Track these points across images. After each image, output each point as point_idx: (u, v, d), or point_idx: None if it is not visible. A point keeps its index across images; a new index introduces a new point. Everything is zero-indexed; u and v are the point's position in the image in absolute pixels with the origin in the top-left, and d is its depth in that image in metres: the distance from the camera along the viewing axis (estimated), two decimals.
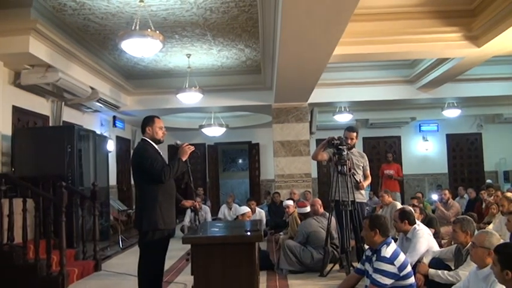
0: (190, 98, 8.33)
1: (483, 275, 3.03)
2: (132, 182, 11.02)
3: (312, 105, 9.91)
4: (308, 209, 6.14)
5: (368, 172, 5.79)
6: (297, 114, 9.74)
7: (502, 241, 3.03)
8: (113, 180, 10.00)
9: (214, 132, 11.44)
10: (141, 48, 5.38)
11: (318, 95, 9.11)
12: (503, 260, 2.46)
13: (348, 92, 9.69)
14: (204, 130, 11.39)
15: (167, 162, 4.00)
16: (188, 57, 8.12)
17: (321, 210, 6.13)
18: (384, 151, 12.95)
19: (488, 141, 13.43)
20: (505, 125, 13.12)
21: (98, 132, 8.47)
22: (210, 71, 9.16)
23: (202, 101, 8.79)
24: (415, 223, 4.62)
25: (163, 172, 3.80)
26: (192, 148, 4.02)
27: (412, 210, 4.93)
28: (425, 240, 4.46)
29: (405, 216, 4.59)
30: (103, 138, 7.78)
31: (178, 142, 4.18)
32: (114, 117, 10.24)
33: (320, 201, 6.30)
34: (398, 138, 13.76)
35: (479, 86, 9.62)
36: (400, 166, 10.84)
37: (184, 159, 3.97)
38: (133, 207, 10.79)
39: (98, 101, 8.05)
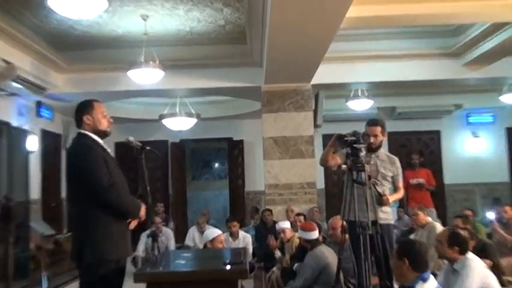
0: (146, 76, 8.28)
1: None
2: (64, 195, 10.96)
3: (317, 88, 9.93)
4: (316, 233, 6.10)
5: (400, 184, 5.81)
6: (296, 100, 9.75)
7: None
8: (35, 192, 9.92)
9: (180, 124, 11.40)
10: (77, 6, 5.32)
11: (325, 74, 9.13)
12: None
13: (367, 69, 9.72)
14: (166, 122, 11.34)
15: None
16: (144, 19, 8.06)
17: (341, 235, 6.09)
18: (418, 151, 13.01)
19: None
20: None
21: (14, 124, 8.39)
22: (175, 39, 9.10)
23: (163, 81, 8.74)
24: (467, 252, 4.65)
25: (112, 192, 3.78)
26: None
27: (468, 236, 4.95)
28: (478, 276, 4.49)
29: (457, 241, 4.62)
30: (21, 133, 7.70)
31: (131, 139, 4.16)
32: (39, 104, 10.15)
33: (341, 222, 6.28)
34: (437, 133, 13.90)
35: None
36: (431, 172, 10.89)
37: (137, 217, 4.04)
38: (65, 231, 10.72)
39: (15, 80, 7.95)
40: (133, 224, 4.08)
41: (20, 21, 7.87)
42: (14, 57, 7.82)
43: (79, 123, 4.04)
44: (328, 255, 5.79)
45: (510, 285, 5.25)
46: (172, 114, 11.21)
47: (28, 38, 8.05)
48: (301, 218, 8.36)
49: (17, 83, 8.14)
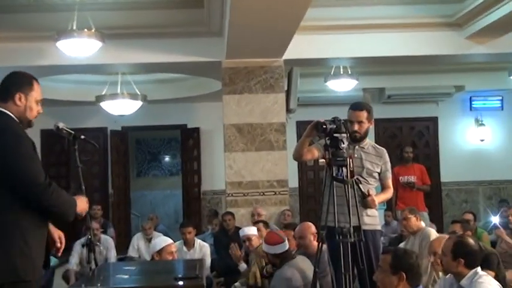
0: (80, 47, 8.21)
1: None
2: None
3: (290, 64, 9.94)
4: (285, 245, 6.02)
5: (389, 181, 5.89)
6: (264, 79, 9.74)
7: None
8: None
9: (122, 108, 11.33)
10: None
11: (300, 46, 9.15)
12: None
13: (351, 41, 9.71)
14: (104, 105, 11.26)
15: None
16: None
17: (314, 244, 6.09)
18: (410, 143, 13.14)
19: None
20: None
21: None
22: (115, 1, 9.04)
23: (101, 54, 8.67)
24: (476, 266, 4.72)
25: (50, 192, 3.60)
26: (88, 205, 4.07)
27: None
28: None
29: (463, 252, 4.67)
30: None
31: (61, 125, 4.12)
32: None
33: (313, 228, 6.32)
34: (434, 120, 14.05)
35: None
36: (426, 168, 11.06)
37: (77, 212, 3.90)
38: None
39: None
40: (61, 251, 4.03)
41: None
42: None
43: (5, 99, 3.73)
44: (297, 274, 5.73)
45: None
46: (113, 96, 11.12)
47: None
48: (261, 225, 8.09)
49: None
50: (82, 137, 4.27)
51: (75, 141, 4.23)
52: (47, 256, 3.89)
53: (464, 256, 4.54)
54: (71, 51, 8.27)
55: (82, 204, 3.95)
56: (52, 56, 9.11)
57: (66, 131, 4.24)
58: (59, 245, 3.99)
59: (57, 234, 4.00)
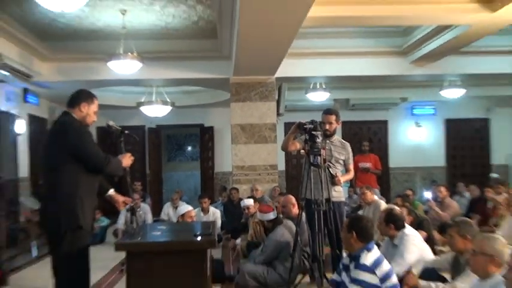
0: (125, 67, 8.18)
1: (486, 286, 3.16)
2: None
3: (280, 80, 9.94)
4: (272, 215, 6.00)
5: (351, 166, 5.94)
6: (261, 91, 9.77)
7: (510, 247, 3.15)
8: (24, 171, 9.75)
9: (156, 111, 11.31)
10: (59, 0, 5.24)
11: (287, 68, 9.16)
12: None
13: (325, 64, 9.74)
14: (143, 109, 11.24)
15: None
16: (123, 14, 7.93)
17: (295, 211, 6.14)
18: (368, 138, 13.18)
19: (497, 128, 13.87)
20: None
21: (3, 109, 8.21)
22: (151, 33, 9.01)
23: (140, 72, 8.65)
24: (404, 227, 4.77)
25: (107, 161, 3.82)
26: (132, 158, 4.21)
27: (403, 213, 5.07)
28: (415, 248, 4.64)
29: (392, 219, 4.76)
30: (9, 117, 7.56)
31: (111, 123, 4.14)
32: (26, 90, 9.95)
33: (293, 199, 6.36)
34: (385, 123, 14.09)
35: (488, 60, 9.76)
36: (378, 157, 11.08)
37: (124, 166, 4.06)
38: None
39: (2, 67, 7.80)
40: (122, 205, 4.19)
41: (5, 12, 7.69)
42: (0, 46, 7.66)
43: (73, 106, 3.94)
44: (286, 234, 5.74)
45: (441, 254, 5.38)
46: (149, 102, 11.11)
47: (14, 28, 7.89)
48: (251, 201, 7.91)
49: (4, 70, 7.97)
50: (126, 132, 4.29)
51: (121, 135, 4.25)
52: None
53: (393, 222, 4.63)
54: (118, 69, 8.25)
55: (126, 160, 4.11)
56: (104, 73, 9.12)
57: (115, 127, 4.25)
58: (126, 202, 4.24)
59: (124, 198, 4.22)
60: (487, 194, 8.60)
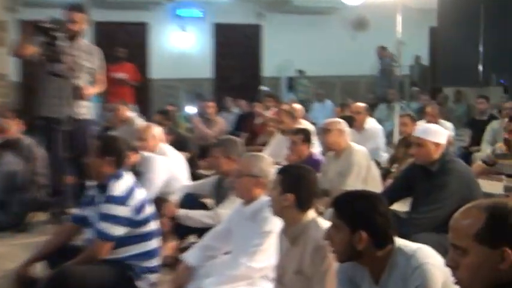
0: None
1: (250, 211, 3.32)
2: None
3: None
4: None
5: (101, 77, 5.79)
6: None
7: (275, 167, 3.32)
8: None
9: None
10: None
11: None
12: (285, 181, 2.82)
13: None
14: None
15: None
16: None
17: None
18: (124, 44, 12.87)
19: (270, 36, 14.41)
20: (294, 16, 14.22)
21: None
22: None
23: None
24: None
25: None
26: None
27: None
28: (163, 171, 4.76)
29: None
30: None
31: None
32: None
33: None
34: (145, 25, 13.84)
35: None
36: (137, 66, 11.07)
37: None
38: None
39: None
40: None
41: None
42: None
43: None
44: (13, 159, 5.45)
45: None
46: None
47: None
48: None
49: None
50: None
51: None
52: None
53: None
54: None
55: None
56: None
57: None
58: None
59: None
60: (255, 109, 9.06)
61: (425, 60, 14.64)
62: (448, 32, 11.41)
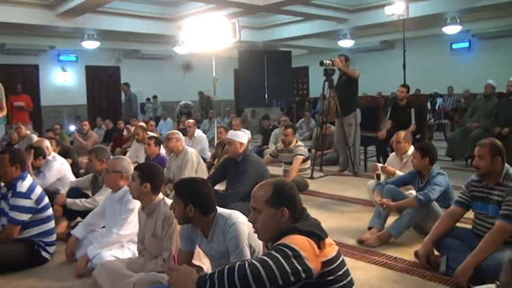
0: None
1: (118, 197, 3.28)
2: None
3: None
4: None
5: (3, 104, 5.24)
6: None
7: (133, 165, 3.28)
8: None
9: None
10: None
11: None
12: (142, 175, 2.79)
13: None
14: None
15: None
16: None
17: None
18: (21, 80, 11.88)
19: (126, 74, 13.91)
20: (143, 61, 14.08)
21: None
22: None
23: None
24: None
25: None
26: None
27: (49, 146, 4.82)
28: (56, 171, 4.58)
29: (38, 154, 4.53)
30: None
31: None
32: None
33: None
34: (36, 67, 12.88)
35: (119, 20, 9.82)
36: (30, 97, 10.25)
37: None
38: None
39: None
40: None
41: None
42: None
43: None
44: None
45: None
46: None
47: None
48: None
49: None
50: None
51: None
52: None
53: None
54: None
55: None
56: None
57: None
58: None
59: None
60: (119, 125, 9.00)
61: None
62: (245, 72, 11.94)
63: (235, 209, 2.51)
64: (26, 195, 3.28)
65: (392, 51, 13.43)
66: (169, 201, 2.76)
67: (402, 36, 8.36)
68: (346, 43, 12.86)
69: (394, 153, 4.76)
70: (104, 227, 3.45)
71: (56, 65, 13.13)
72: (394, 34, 11.77)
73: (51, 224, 3.46)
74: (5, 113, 5.33)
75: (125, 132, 8.69)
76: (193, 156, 5.12)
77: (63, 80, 13.23)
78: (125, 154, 6.08)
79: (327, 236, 1.76)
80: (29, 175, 3.47)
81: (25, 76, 12.69)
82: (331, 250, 1.75)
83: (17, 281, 3.11)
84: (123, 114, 10.48)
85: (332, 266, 1.72)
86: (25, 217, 3.26)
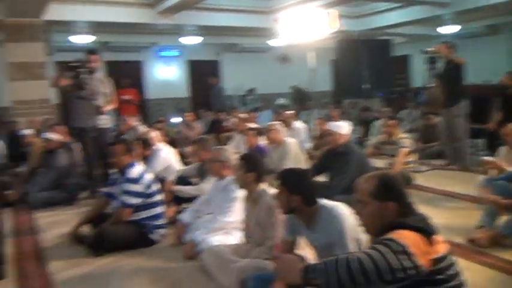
0: None
1: (222, 185, 3.41)
2: None
3: (50, 23, 8.79)
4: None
5: (113, 98, 5.68)
6: (31, 32, 8.42)
7: (236, 155, 3.39)
8: None
9: None
10: None
11: (55, 12, 8.22)
12: (247, 164, 2.90)
13: (87, 10, 8.90)
14: None
15: None
16: None
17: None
18: (127, 76, 12.68)
19: (226, 67, 14.31)
20: (242, 54, 14.30)
21: None
22: None
23: None
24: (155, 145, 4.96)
25: None
26: None
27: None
28: (162, 160, 4.84)
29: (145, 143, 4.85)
30: None
31: None
32: None
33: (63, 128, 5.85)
34: (140, 62, 13.64)
35: (218, 16, 10.09)
36: (137, 91, 10.81)
37: None
38: None
39: None
40: None
41: None
42: None
43: None
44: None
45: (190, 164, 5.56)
46: None
47: None
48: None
49: None
50: None
51: None
52: None
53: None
54: None
55: None
56: None
57: None
58: None
59: None
60: (221, 117, 9.24)
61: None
62: (343, 62, 11.66)
63: (338, 201, 2.48)
64: (136, 180, 3.54)
65: (496, 37, 12.34)
66: (271, 191, 2.82)
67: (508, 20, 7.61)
68: (447, 29, 12.04)
69: (505, 146, 4.41)
70: (209, 213, 3.58)
71: (159, 60, 13.82)
72: (498, 18, 10.86)
73: (160, 208, 3.70)
74: (114, 105, 5.78)
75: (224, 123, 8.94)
76: (294, 146, 5.17)
77: (166, 74, 13.87)
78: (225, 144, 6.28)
79: (436, 232, 1.70)
80: (138, 163, 3.74)
81: (131, 71, 13.46)
82: (441, 247, 1.68)
83: (127, 260, 3.36)
84: (213, 106, 10.77)
85: (442, 265, 1.65)
86: (135, 201, 3.51)
